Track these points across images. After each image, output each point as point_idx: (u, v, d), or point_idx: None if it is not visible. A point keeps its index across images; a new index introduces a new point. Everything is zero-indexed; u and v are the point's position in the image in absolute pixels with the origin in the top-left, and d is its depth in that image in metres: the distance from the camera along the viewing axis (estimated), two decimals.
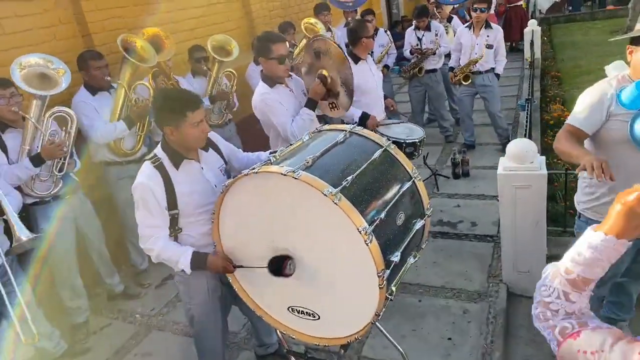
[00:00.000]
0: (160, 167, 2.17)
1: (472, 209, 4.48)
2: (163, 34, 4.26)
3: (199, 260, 2.22)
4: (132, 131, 3.71)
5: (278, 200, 1.91)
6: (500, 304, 3.17)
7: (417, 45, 5.87)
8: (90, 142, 3.60)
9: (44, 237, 3.08)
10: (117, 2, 4.31)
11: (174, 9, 5.00)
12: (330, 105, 3.17)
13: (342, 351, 2.23)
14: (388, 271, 1.76)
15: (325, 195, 1.67)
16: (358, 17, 5.94)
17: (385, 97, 4.17)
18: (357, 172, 1.85)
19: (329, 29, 6.20)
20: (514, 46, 10.75)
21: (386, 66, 6.05)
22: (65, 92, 3.18)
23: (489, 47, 5.24)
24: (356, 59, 3.82)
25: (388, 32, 6.32)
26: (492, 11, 8.08)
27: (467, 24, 5.51)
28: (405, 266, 1.98)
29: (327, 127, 2.32)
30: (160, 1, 4.81)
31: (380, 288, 1.74)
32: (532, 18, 10.66)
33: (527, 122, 4.59)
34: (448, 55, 5.91)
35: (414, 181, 2.05)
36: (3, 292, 2.38)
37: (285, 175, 1.75)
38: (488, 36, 5.25)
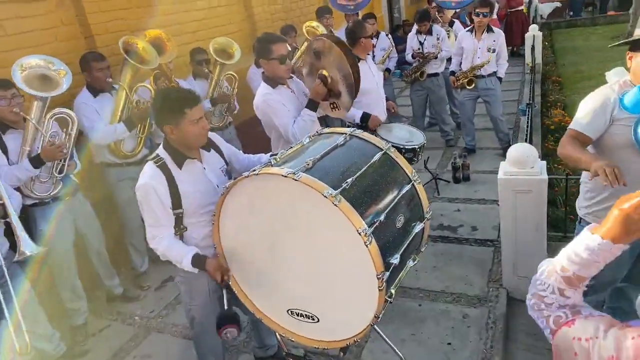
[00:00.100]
0: (163, 167, 2.18)
1: (472, 213, 4.48)
2: (165, 36, 4.27)
3: (199, 263, 2.23)
4: (133, 133, 3.71)
5: (278, 201, 1.91)
6: (500, 308, 3.16)
7: (419, 49, 5.89)
8: (90, 143, 3.60)
9: (44, 238, 3.08)
10: (120, 4, 4.32)
11: (176, 11, 5.02)
12: (332, 106, 3.16)
13: (342, 354, 2.23)
14: (387, 273, 1.76)
15: (325, 196, 1.67)
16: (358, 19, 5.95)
17: (387, 100, 4.18)
18: (357, 174, 1.85)
19: (330, 32, 6.22)
20: (515, 51, 10.76)
21: (387, 70, 6.06)
22: (67, 93, 3.18)
23: (491, 51, 5.25)
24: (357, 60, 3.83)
25: (389, 36, 6.34)
26: (494, 16, 8.10)
27: (469, 28, 5.52)
28: (404, 269, 1.98)
29: (327, 130, 2.33)
30: (163, 3, 4.83)
31: (379, 290, 1.74)
32: (533, 23, 10.68)
33: (527, 126, 4.60)
34: (450, 60, 5.92)
35: (413, 184, 2.06)
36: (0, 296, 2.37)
37: (285, 176, 1.75)
38: (494, 41, 5.26)
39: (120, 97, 3.66)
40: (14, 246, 2.57)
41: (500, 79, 5.44)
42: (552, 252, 3.36)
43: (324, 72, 2.95)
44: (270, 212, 1.95)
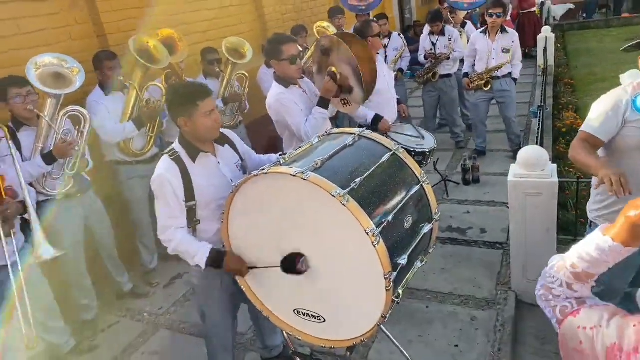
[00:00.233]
0: (177, 160, 2.22)
1: (481, 215, 4.45)
2: (177, 36, 4.30)
3: (216, 258, 2.24)
4: (142, 132, 3.74)
5: (287, 201, 1.92)
6: (509, 311, 3.14)
7: (431, 49, 5.86)
8: (101, 141, 3.64)
9: (54, 234, 3.12)
10: (133, 3, 4.36)
11: (188, 10, 5.05)
12: (343, 102, 3.17)
13: (348, 353, 2.23)
14: (395, 274, 1.76)
15: (333, 196, 1.67)
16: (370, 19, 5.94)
17: (399, 103, 4.17)
18: (366, 174, 1.85)
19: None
20: (527, 52, 10.66)
21: (400, 70, 6.05)
22: (80, 91, 3.22)
23: (506, 51, 5.22)
24: None
25: (402, 36, 6.33)
26: (508, 17, 8.04)
27: (482, 29, 5.49)
28: (412, 270, 1.97)
29: (336, 130, 2.33)
30: (175, 3, 4.87)
31: (386, 290, 1.74)
32: (546, 25, 10.59)
33: (539, 129, 4.56)
34: (463, 61, 5.90)
35: (422, 185, 2.05)
36: (14, 287, 2.42)
37: (294, 176, 1.75)
38: (513, 42, 5.22)
39: (130, 96, 3.69)
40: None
41: (515, 80, 5.40)
42: None
43: (333, 69, 2.95)
44: (279, 211, 1.96)
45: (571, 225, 3.87)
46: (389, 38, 6.04)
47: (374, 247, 1.68)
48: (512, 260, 3.27)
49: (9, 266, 2.50)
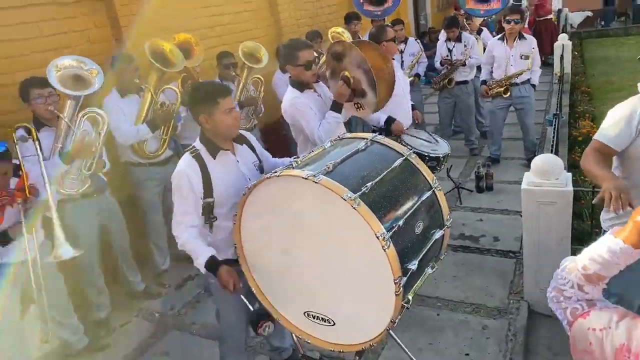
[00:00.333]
0: (198, 157, 2.29)
1: (495, 223, 4.42)
2: (194, 40, 4.35)
3: (212, 267, 2.27)
4: (156, 134, 3.79)
5: (298, 203, 1.93)
6: (521, 321, 3.10)
7: (448, 56, 5.85)
8: (116, 142, 3.70)
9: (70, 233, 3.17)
10: (150, 7, 4.44)
11: (204, 15, 5.12)
12: (356, 106, 3.19)
13: (357, 358, 2.22)
14: (405, 279, 1.76)
15: (344, 199, 1.68)
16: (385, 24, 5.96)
17: (414, 108, 4.17)
18: (377, 179, 1.86)
19: (358, 39, 6.26)
20: (543, 60, 10.56)
21: (417, 75, 6.05)
22: (98, 93, 3.27)
23: (525, 58, 5.18)
24: None
25: (418, 41, 6.33)
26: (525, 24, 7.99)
27: (499, 36, 5.46)
28: (423, 276, 1.97)
29: (349, 135, 2.35)
30: (191, 8, 4.94)
31: (396, 295, 1.74)
32: (563, 32, 10.49)
33: (554, 137, 4.51)
34: (480, 68, 5.87)
35: (434, 191, 2.05)
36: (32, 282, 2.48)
37: (306, 179, 1.77)
38: (533, 48, 5.18)
39: (145, 98, 3.75)
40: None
41: (534, 86, 5.36)
42: None
43: (346, 74, 2.97)
44: (290, 213, 1.97)
45: (586, 235, 3.81)
46: (405, 43, 6.04)
47: (384, 251, 1.68)
48: (525, 269, 3.23)
49: (29, 261, 2.58)
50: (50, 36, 3.69)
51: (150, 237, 4.08)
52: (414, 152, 2.16)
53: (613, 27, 14.59)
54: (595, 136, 2.24)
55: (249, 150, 2.49)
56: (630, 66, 9.59)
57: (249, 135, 2.57)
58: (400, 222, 1.80)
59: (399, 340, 2.52)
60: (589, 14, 14.75)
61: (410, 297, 1.88)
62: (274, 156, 2.68)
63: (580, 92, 8.30)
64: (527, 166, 4.56)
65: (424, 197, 1.99)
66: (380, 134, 3.73)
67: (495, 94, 5.36)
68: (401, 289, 1.74)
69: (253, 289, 2.32)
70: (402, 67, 5.78)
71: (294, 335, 2.38)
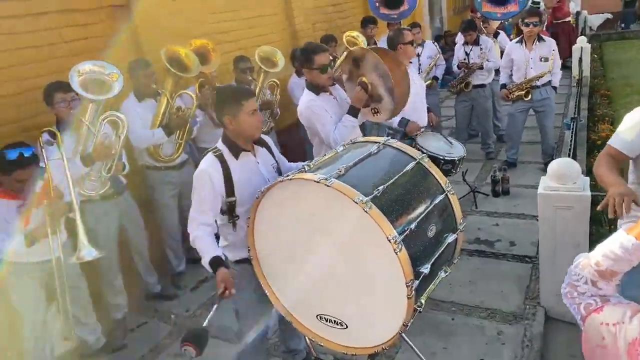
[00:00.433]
0: (220, 157, 2.35)
1: (511, 228, 4.37)
2: (211, 46, 4.40)
3: (215, 266, 2.29)
4: (172, 138, 3.84)
5: (310, 207, 1.95)
6: (537, 327, 3.06)
7: (465, 59, 5.82)
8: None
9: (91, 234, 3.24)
10: (167, 13, 4.51)
11: (220, 20, 5.18)
12: (373, 111, 3.22)
13: None
14: (417, 282, 1.76)
15: (356, 203, 1.69)
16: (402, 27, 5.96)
17: (429, 111, 4.16)
18: (389, 182, 1.86)
19: (374, 43, 6.27)
20: (562, 63, 10.43)
21: (435, 77, 6.02)
22: (116, 97, 3.33)
23: (545, 60, 5.12)
24: None
25: (436, 44, 6.31)
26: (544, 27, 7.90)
27: (517, 39, 5.41)
28: (435, 280, 1.97)
29: (361, 138, 2.36)
30: (208, 13, 5.00)
31: (408, 298, 1.74)
32: (582, 35, 10.34)
33: (571, 141, 4.45)
34: (497, 71, 5.83)
35: (447, 195, 2.05)
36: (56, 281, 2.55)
37: (318, 182, 1.78)
38: (553, 50, 5.13)
39: (161, 103, 3.80)
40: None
41: (555, 88, 5.29)
42: None
43: (364, 79, 3.00)
44: (303, 217, 1.99)
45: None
46: (423, 46, 6.03)
47: (396, 254, 1.68)
48: (541, 275, 3.20)
49: (53, 261, 2.67)
50: (71, 42, 3.78)
51: (167, 240, 4.13)
52: (428, 156, 2.16)
53: (633, 30, 14.30)
54: (610, 141, 2.21)
55: (268, 153, 2.56)
56: None
57: (267, 138, 2.64)
58: (412, 226, 1.81)
59: (412, 344, 2.51)
60: (609, 16, 14.48)
61: (423, 301, 1.88)
62: (289, 160, 2.72)
63: (599, 95, 8.16)
64: (545, 170, 4.49)
65: (436, 201, 1.99)
66: (394, 136, 3.74)
67: (516, 98, 5.30)
68: (413, 292, 1.74)
69: (266, 291, 2.34)
70: (419, 70, 5.77)
71: (306, 338, 2.40)
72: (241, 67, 4.61)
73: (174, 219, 4.08)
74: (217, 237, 2.49)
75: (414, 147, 2.62)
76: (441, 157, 3.47)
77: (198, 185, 2.34)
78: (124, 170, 3.46)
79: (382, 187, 1.81)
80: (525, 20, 5.13)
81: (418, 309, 1.82)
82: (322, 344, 2.24)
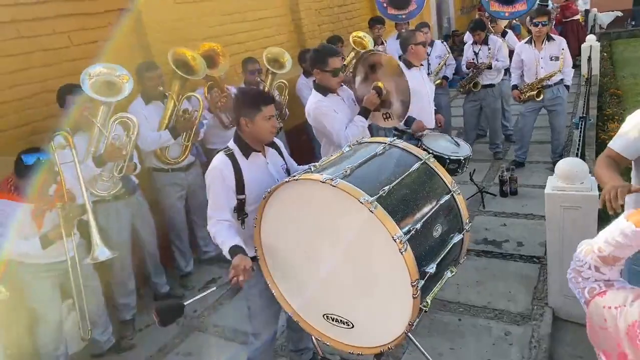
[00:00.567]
0: (231, 156, 2.40)
1: (519, 228, 4.34)
2: (220, 50, 4.42)
3: (233, 253, 2.30)
4: (178, 140, 3.85)
5: (316, 207, 1.96)
6: (545, 328, 3.04)
7: (474, 59, 5.80)
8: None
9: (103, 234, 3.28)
10: (175, 16, 4.55)
11: (227, 22, 5.22)
12: (384, 116, 3.26)
13: None
14: (422, 282, 1.76)
15: (361, 202, 1.70)
16: (411, 29, 5.96)
17: (436, 112, 4.15)
18: (394, 182, 1.87)
19: (381, 43, 6.27)
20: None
21: (445, 77, 6.01)
22: (124, 100, 3.37)
23: (555, 59, 5.09)
24: (409, 65, 3.93)
25: (445, 43, 6.29)
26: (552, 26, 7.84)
27: (527, 39, 5.37)
28: (441, 280, 1.97)
29: (367, 139, 2.37)
30: (215, 15, 5.04)
31: (414, 298, 1.74)
32: (591, 33, 10.25)
33: (579, 140, 4.41)
34: (507, 71, 5.79)
35: (452, 195, 2.05)
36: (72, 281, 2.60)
37: (323, 182, 1.80)
38: (563, 49, 5.09)
39: (168, 105, 3.83)
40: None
41: (567, 87, 5.25)
42: None
43: (379, 84, 3.03)
44: (309, 217, 2.00)
45: None
46: (432, 46, 6.01)
47: (401, 254, 1.69)
48: (549, 275, 3.17)
49: (68, 261, 2.75)
50: (80, 45, 3.82)
51: (174, 241, 4.16)
52: (434, 156, 2.17)
53: None
54: (610, 143, 2.17)
55: (278, 154, 2.61)
56: None
57: (278, 141, 2.68)
58: (418, 226, 1.81)
59: (418, 344, 2.51)
60: (619, 14, 14.34)
61: (428, 301, 1.88)
62: (297, 161, 2.75)
63: (609, 94, 8.09)
64: (553, 170, 4.48)
65: (442, 201, 1.99)
66: (401, 136, 3.75)
67: (528, 98, 5.27)
68: (419, 292, 1.74)
69: (273, 290, 2.35)
70: (428, 70, 5.75)
71: (313, 337, 2.40)
72: (250, 69, 4.63)
73: (181, 221, 4.11)
74: None
75: (419, 148, 2.63)
76: (447, 157, 3.47)
77: (211, 182, 2.40)
78: (135, 170, 3.50)
79: (387, 187, 1.82)
80: (534, 20, 5.09)
81: (424, 308, 1.83)
82: (328, 343, 2.25)
